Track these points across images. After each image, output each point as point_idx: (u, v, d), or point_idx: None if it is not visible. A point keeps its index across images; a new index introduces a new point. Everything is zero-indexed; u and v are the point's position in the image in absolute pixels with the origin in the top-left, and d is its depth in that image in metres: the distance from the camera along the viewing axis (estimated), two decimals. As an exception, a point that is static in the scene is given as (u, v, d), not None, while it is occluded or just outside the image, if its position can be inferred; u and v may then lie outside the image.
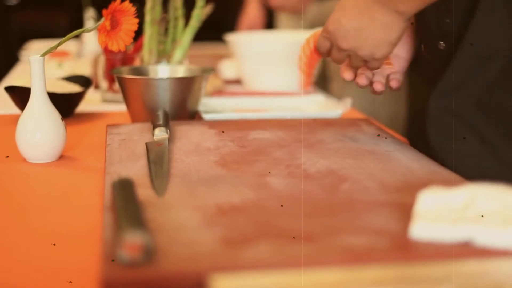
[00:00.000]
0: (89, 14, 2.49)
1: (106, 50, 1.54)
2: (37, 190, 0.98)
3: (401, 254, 0.68)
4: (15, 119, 1.12)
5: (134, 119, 1.31)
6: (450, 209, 0.72)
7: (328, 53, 1.06)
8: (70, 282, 0.67)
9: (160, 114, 1.17)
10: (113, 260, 0.65)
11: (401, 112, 2.44)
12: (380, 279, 0.64)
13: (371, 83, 1.10)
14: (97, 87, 1.67)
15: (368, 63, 1.03)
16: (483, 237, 0.69)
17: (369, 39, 0.99)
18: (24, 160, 1.08)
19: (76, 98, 1.42)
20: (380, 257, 0.67)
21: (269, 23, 2.70)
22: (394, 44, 1.00)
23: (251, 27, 2.60)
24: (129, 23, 1.21)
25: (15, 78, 1.94)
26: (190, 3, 1.49)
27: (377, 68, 1.04)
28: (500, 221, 0.70)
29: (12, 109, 1.42)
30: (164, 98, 1.26)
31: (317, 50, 1.08)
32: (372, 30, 0.99)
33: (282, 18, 2.46)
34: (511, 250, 0.67)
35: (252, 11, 2.62)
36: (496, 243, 0.68)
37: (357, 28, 0.99)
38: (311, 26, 2.28)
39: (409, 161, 0.99)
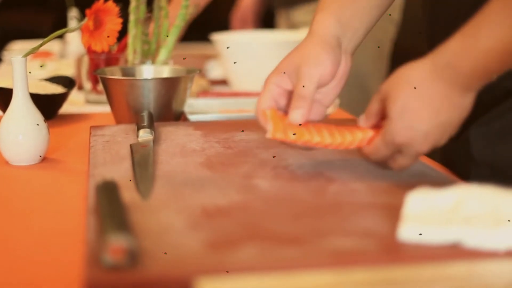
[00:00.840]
0: (73, 14, 2.48)
1: (90, 51, 1.54)
2: (19, 193, 0.98)
3: (390, 256, 0.68)
4: (-3, 120, 1.11)
5: (118, 120, 1.30)
6: (439, 211, 0.72)
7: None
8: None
9: (145, 115, 1.17)
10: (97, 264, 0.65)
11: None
12: (368, 282, 0.64)
13: None
14: (80, 88, 1.67)
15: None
16: (473, 239, 0.69)
17: (449, 128, 0.86)
18: (6, 162, 1.08)
19: (59, 99, 1.42)
20: (368, 260, 0.67)
21: (269, 22, 2.69)
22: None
23: (243, 22, 2.60)
24: (113, 23, 1.22)
25: (-3, 79, 1.93)
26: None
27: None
28: (489, 222, 0.70)
29: (-6, 110, 1.41)
30: (149, 99, 1.26)
31: (367, 158, 0.91)
32: (454, 118, 0.85)
33: (281, 18, 2.46)
34: (501, 251, 0.68)
35: (244, 6, 2.63)
36: (486, 244, 0.68)
37: (440, 125, 0.85)
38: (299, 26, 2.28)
39: (397, 162, 0.99)
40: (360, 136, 0.91)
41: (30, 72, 1.12)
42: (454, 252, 0.68)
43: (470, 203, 0.73)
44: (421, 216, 0.71)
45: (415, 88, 0.84)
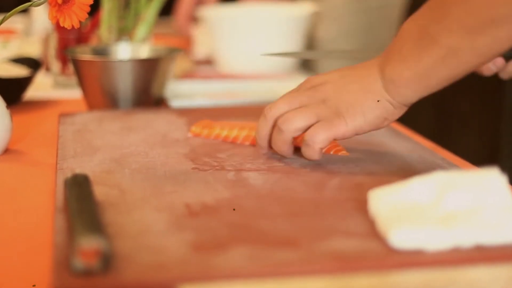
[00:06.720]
0: (39, -15, 2.47)
1: (58, 27, 1.53)
2: (-22, 189, 0.97)
3: (399, 260, 0.68)
4: (-48, 107, 1.11)
5: (91, 106, 1.30)
6: (421, 208, 0.72)
7: None
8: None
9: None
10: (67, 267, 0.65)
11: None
12: (374, 289, 0.64)
13: None
14: (48, 69, 1.66)
15: None
16: (479, 239, 0.68)
17: (361, 108, 0.94)
18: (-37, 154, 1.08)
19: (23, 83, 1.41)
20: (373, 264, 0.67)
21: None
22: None
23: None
24: (84, -4, 1.21)
25: (-48, 59, 1.93)
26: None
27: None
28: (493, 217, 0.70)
29: (-51, 95, 1.40)
30: (125, 82, 1.26)
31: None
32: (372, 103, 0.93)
33: None
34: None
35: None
36: (494, 241, 0.68)
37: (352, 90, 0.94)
38: None
39: (407, 153, 0.99)
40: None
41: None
42: (473, 255, 0.68)
43: (453, 197, 0.72)
44: (405, 217, 0.71)
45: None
